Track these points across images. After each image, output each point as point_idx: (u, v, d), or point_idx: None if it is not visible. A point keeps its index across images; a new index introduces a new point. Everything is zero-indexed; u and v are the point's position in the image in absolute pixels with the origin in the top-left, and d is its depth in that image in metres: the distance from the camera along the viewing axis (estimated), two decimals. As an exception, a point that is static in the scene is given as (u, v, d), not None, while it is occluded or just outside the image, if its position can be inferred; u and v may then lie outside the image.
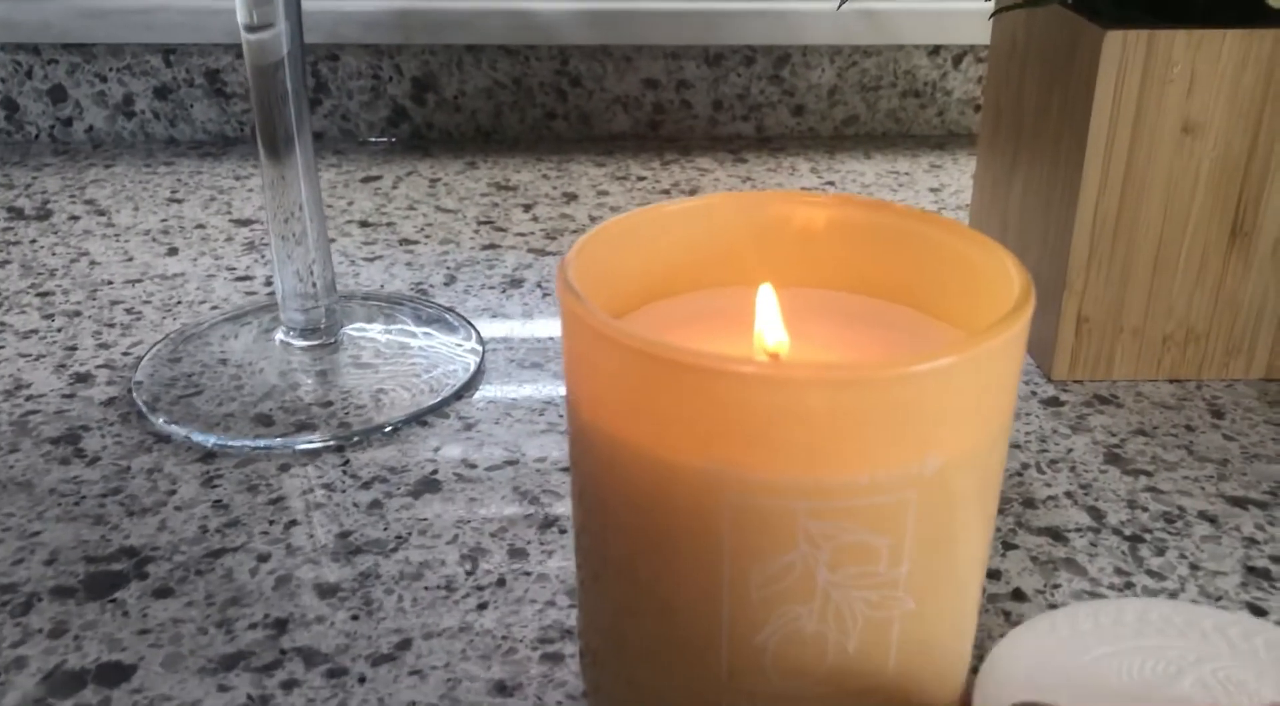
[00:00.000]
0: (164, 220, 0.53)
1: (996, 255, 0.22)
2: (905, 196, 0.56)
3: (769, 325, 0.23)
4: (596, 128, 0.64)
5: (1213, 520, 0.32)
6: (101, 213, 0.54)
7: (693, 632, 0.21)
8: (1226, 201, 0.37)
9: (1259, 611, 0.29)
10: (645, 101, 0.64)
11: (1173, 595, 0.29)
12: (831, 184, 0.58)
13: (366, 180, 0.58)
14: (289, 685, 0.26)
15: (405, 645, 0.27)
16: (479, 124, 0.64)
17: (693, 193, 0.57)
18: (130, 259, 0.49)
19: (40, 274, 0.48)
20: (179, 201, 0.56)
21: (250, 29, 0.37)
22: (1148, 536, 0.32)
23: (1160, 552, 0.31)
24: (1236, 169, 0.36)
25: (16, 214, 0.54)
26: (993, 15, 0.40)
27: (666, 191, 0.57)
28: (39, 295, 0.46)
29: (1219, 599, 0.29)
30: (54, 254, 0.50)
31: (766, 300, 0.24)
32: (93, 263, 0.49)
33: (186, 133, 0.64)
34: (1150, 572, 0.30)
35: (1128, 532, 0.32)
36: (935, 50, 0.63)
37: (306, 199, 0.39)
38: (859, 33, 0.60)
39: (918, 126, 0.65)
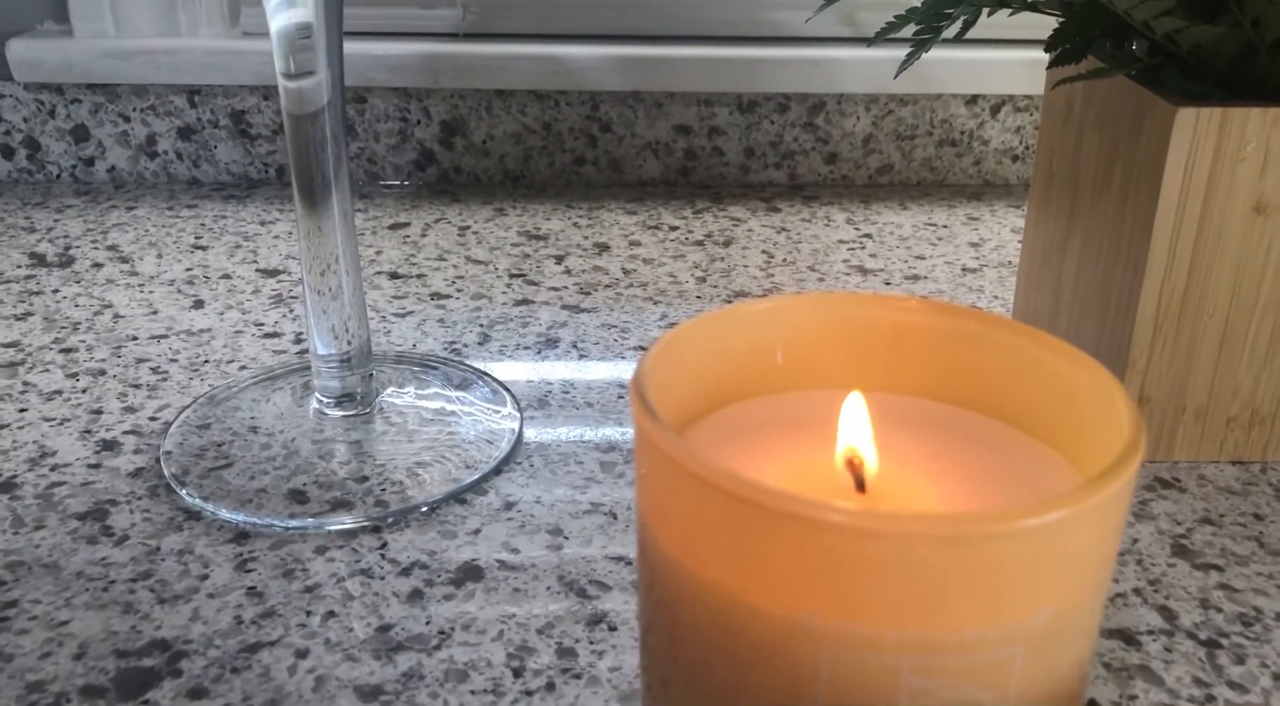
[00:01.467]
0: (189, 269, 0.52)
1: (1102, 381, 0.21)
2: (945, 251, 0.55)
3: (858, 440, 0.22)
4: (627, 173, 0.63)
5: (1291, 623, 0.31)
6: (125, 260, 0.53)
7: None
8: (1298, 282, 0.35)
9: (1348, 730, 0.27)
10: (676, 147, 0.63)
11: (1256, 709, 0.28)
12: (869, 236, 0.57)
13: (395, 227, 0.57)
14: (333, 804, 0.25)
15: (454, 758, 0.26)
16: (507, 169, 0.63)
17: (726, 245, 0.56)
18: (155, 312, 0.48)
19: (64, 327, 0.47)
20: (203, 248, 0.55)
21: (289, 77, 0.36)
22: (1225, 641, 0.30)
23: (1240, 661, 0.30)
24: (1309, 250, 0.35)
25: (39, 260, 0.53)
26: (1054, 87, 0.39)
27: (700, 243, 0.56)
28: (63, 352, 0.45)
29: (1305, 715, 0.28)
30: (77, 305, 0.49)
31: (854, 410, 0.23)
32: (117, 316, 0.48)
33: (210, 174, 0.63)
34: (1231, 684, 0.29)
35: (1203, 636, 0.30)
36: (973, 99, 0.62)
37: (343, 251, 0.38)
38: (896, 81, 0.59)
39: (954, 176, 0.64)
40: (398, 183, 0.63)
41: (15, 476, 0.37)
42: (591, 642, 0.30)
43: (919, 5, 0.38)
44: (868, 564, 0.18)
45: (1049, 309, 0.44)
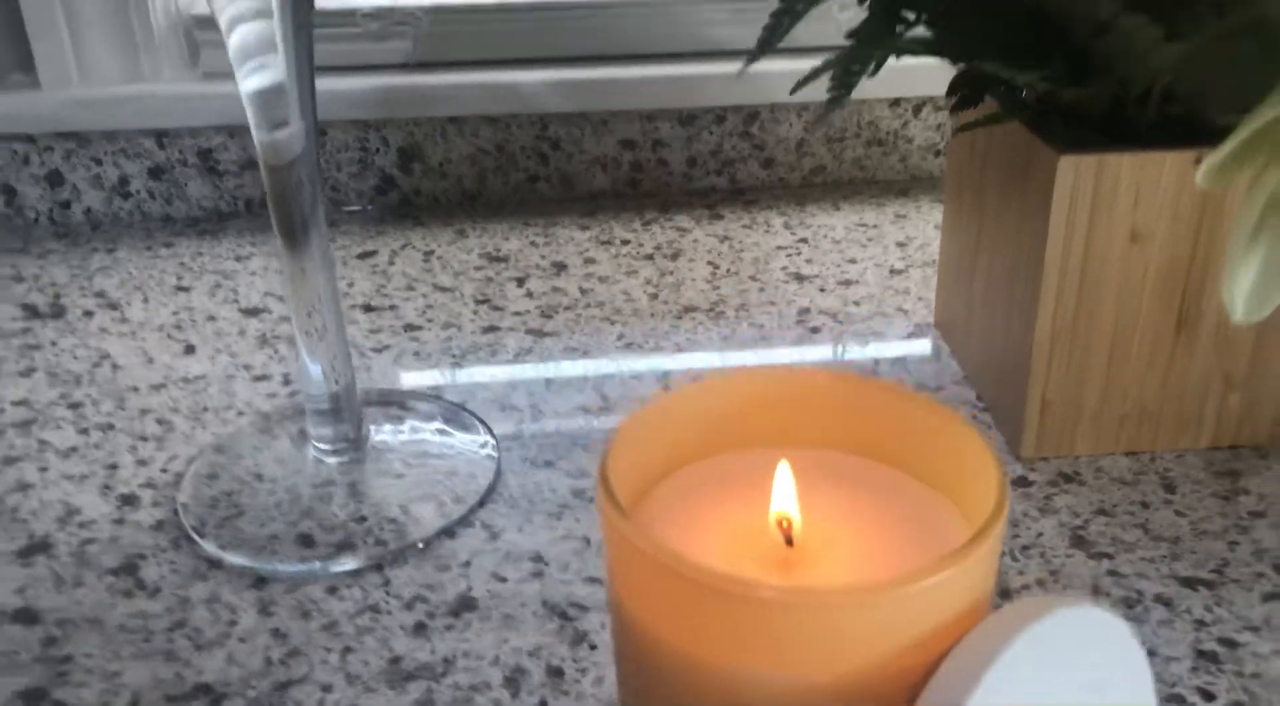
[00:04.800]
0: (175, 313, 0.56)
1: (975, 442, 0.26)
2: (874, 252, 0.60)
3: (786, 504, 0.27)
4: (578, 187, 0.67)
5: (1166, 603, 0.36)
6: (114, 306, 0.57)
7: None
8: (1171, 298, 0.41)
9: (1208, 695, 0.33)
10: (623, 160, 0.67)
11: (1135, 682, 0.33)
12: (804, 241, 0.61)
13: (363, 255, 0.61)
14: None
15: (466, 773, 0.31)
16: (465, 189, 0.67)
17: (674, 257, 0.60)
18: (150, 360, 0.52)
19: (67, 381, 0.50)
20: (186, 289, 0.58)
21: (264, 129, 0.39)
22: (1111, 622, 0.36)
23: (1123, 638, 0.35)
24: (1179, 270, 0.40)
25: (31, 312, 0.57)
26: (955, 133, 0.44)
27: (650, 256, 0.60)
28: (70, 407, 0.49)
29: (1173, 686, 0.33)
30: (75, 357, 0.52)
31: (782, 477, 0.27)
32: (115, 366, 0.51)
33: (182, 210, 0.66)
34: (1114, 661, 0.34)
35: (1094, 619, 0.36)
36: (896, 102, 0.66)
37: (324, 291, 0.41)
38: (824, 91, 0.63)
39: (882, 172, 0.68)
40: (360, 207, 0.67)
41: (49, 536, 0.41)
42: (575, 661, 0.35)
43: (833, 58, 0.42)
44: (790, 626, 0.22)
45: (964, 316, 0.49)
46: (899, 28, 0.42)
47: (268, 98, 0.38)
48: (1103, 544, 0.39)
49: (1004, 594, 0.37)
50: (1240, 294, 0.31)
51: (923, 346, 0.51)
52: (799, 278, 0.58)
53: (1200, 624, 0.35)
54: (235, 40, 0.38)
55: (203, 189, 0.66)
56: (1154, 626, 0.35)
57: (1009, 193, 0.43)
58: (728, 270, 0.59)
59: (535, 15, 0.64)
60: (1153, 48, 0.33)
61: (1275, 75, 0.28)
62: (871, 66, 0.40)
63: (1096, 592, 0.37)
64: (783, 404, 0.30)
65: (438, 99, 0.63)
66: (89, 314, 0.56)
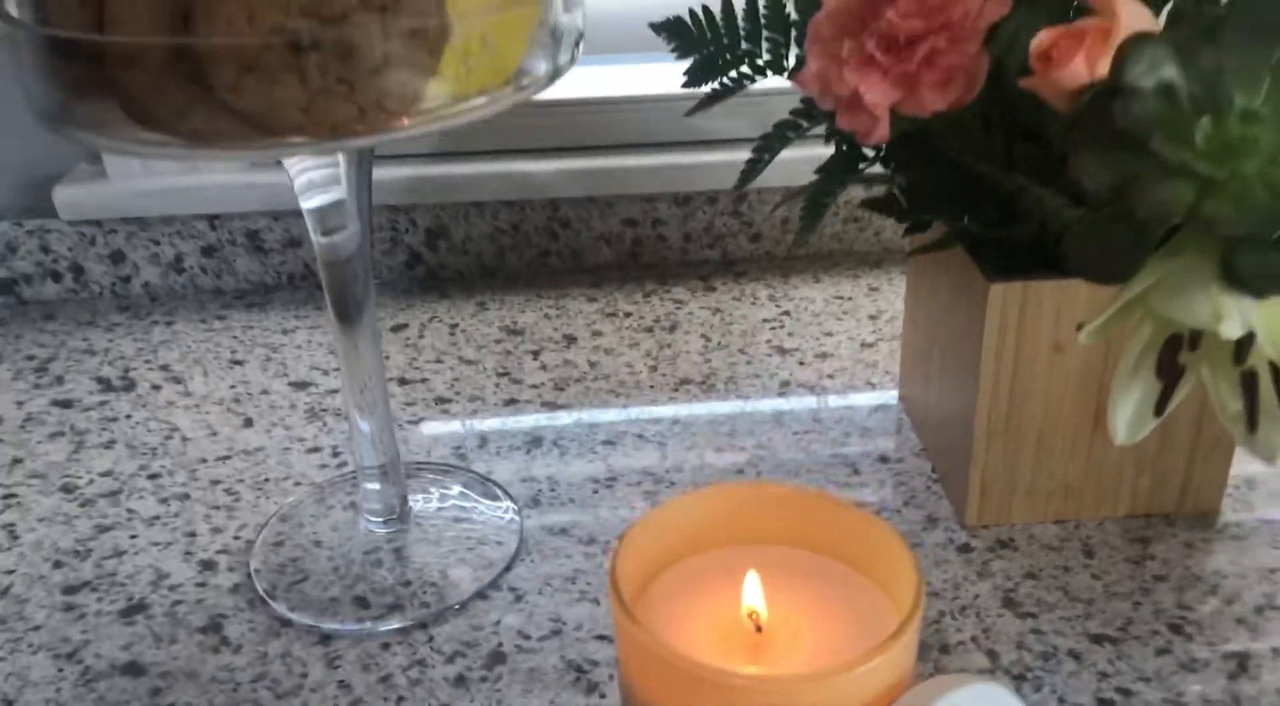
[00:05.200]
0: (232, 386, 0.64)
1: (897, 544, 0.34)
2: (849, 325, 0.67)
3: (754, 601, 0.35)
4: (586, 261, 0.75)
5: (1076, 657, 0.44)
6: (178, 380, 0.64)
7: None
8: (1089, 398, 0.48)
9: (1104, 737, 0.41)
10: (626, 237, 0.74)
11: (1045, 726, 0.41)
12: (787, 314, 0.69)
13: (396, 329, 0.69)
14: None
15: (503, 803, 0.39)
16: (484, 264, 0.74)
17: (671, 329, 0.68)
18: (214, 433, 0.60)
19: (144, 453, 0.58)
20: (240, 363, 0.66)
21: (324, 234, 0.45)
22: (1027, 672, 0.43)
23: (1039, 688, 0.43)
24: (1094, 376, 0.48)
25: (105, 385, 0.64)
26: (909, 254, 0.51)
27: (650, 329, 0.68)
28: (150, 478, 0.56)
29: (1076, 729, 0.41)
30: (149, 430, 0.60)
31: (751, 583, 0.35)
32: (184, 438, 0.59)
33: (230, 283, 0.74)
34: (1029, 708, 0.42)
35: (1015, 671, 0.43)
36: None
37: (373, 369, 0.48)
38: (805, 174, 0.71)
39: (859, 245, 0.76)
40: (391, 277, 0.74)
41: (144, 598, 0.49)
42: (589, 708, 0.42)
43: (806, 188, 0.50)
44: (762, 700, 0.30)
45: (922, 393, 0.57)
46: (859, 164, 0.50)
47: (327, 212, 0.45)
48: (1029, 604, 0.47)
49: (943, 649, 0.45)
50: (1122, 422, 0.38)
51: (887, 420, 0.59)
52: (781, 351, 0.65)
53: (1103, 675, 0.43)
54: (302, 180, 0.45)
55: (250, 265, 0.73)
56: (1064, 677, 0.43)
57: (955, 302, 0.50)
58: (718, 343, 0.66)
59: (548, 110, 0.71)
60: (1059, 210, 0.41)
61: (1143, 258, 0.36)
62: (838, 195, 0.48)
63: (1022, 651, 0.44)
64: (752, 512, 0.37)
65: (461, 186, 0.71)
66: (157, 388, 0.64)
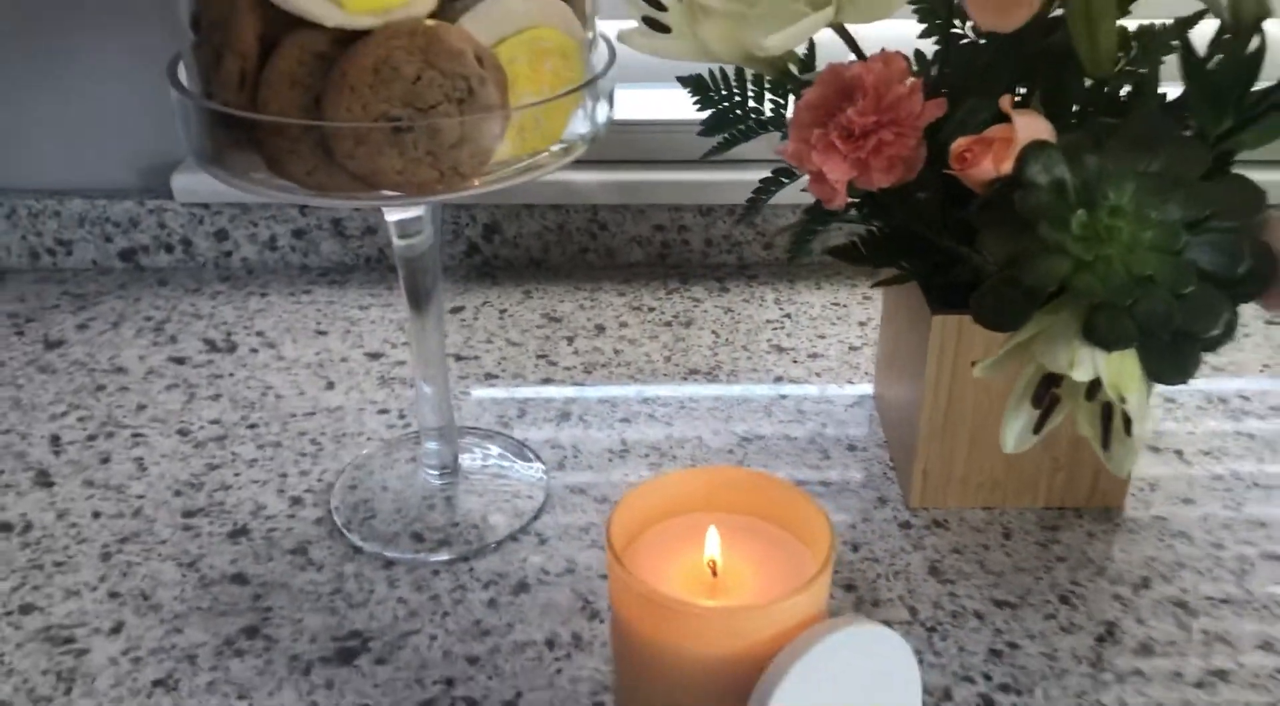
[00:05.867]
0: (317, 353, 0.76)
1: (819, 515, 0.45)
2: (840, 329, 0.79)
3: (713, 551, 0.46)
4: (619, 259, 0.86)
5: (980, 616, 0.55)
6: (272, 345, 0.77)
7: (667, 698, 0.44)
8: (1011, 409, 0.59)
9: (988, 677, 0.52)
10: (655, 240, 0.86)
11: (943, 668, 0.52)
12: (789, 316, 0.80)
13: (454, 310, 0.81)
14: (461, 719, 0.50)
15: (517, 696, 0.51)
16: (532, 256, 0.86)
17: (688, 325, 0.79)
18: (302, 392, 0.72)
19: (245, 407, 0.71)
20: (324, 333, 0.78)
21: (401, 237, 0.56)
22: (937, 625, 0.55)
23: (945, 638, 0.54)
24: (1017, 391, 0.58)
25: (211, 346, 0.77)
26: (872, 286, 0.62)
27: (669, 323, 0.79)
28: (249, 427, 0.69)
29: (968, 670, 0.52)
30: (248, 387, 0.73)
31: (711, 537, 0.47)
32: (277, 396, 0.72)
33: (315, 261, 0.86)
34: (935, 652, 0.53)
35: (929, 625, 0.55)
36: (871, 205, 0.84)
37: (437, 348, 0.60)
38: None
39: (859, 256, 0.86)
40: (452, 264, 0.86)
41: (246, 524, 0.61)
42: (591, 630, 0.54)
43: (793, 225, 0.61)
44: (711, 626, 0.42)
45: (887, 398, 0.68)
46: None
47: (408, 223, 0.56)
48: (950, 573, 0.58)
49: (875, 603, 0.56)
50: (1011, 436, 0.49)
51: (861, 415, 0.70)
52: (779, 349, 0.77)
53: (998, 632, 0.54)
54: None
55: (333, 247, 0.86)
56: (967, 631, 0.54)
57: (911, 325, 0.61)
58: (726, 339, 0.78)
59: (593, 128, 0.83)
60: (981, 265, 0.52)
61: (1028, 314, 0.47)
62: (813, 238, 0.59)
63: (937, 609, 0.56)
64: (718, 488, 0.49)
65: (515, 190, 0.82)
66: (254, 351, 0.77)
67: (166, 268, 0.87)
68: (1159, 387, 0.64)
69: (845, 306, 0.82)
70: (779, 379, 0.74)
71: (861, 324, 0.79)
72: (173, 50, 0.50)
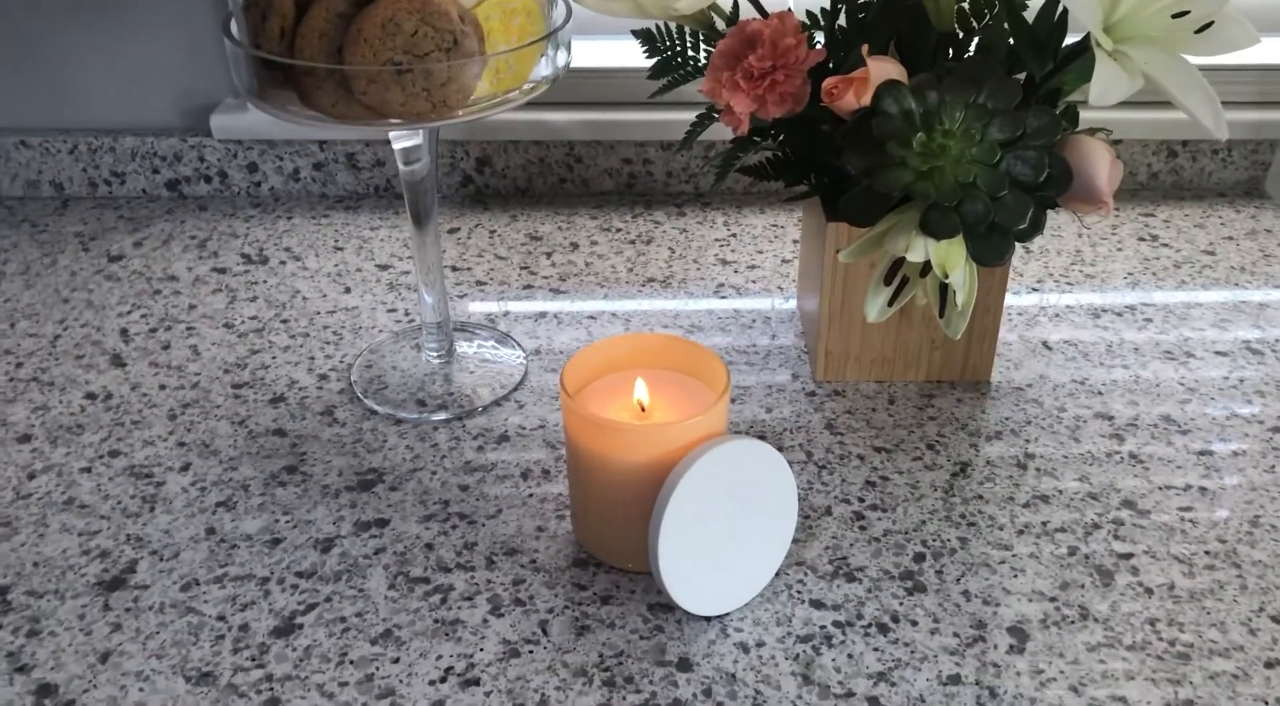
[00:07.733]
0: (336, 264, 0.91)
1: (720, 368, 0.60)
2: (777, 246, 0.93)
3: (641, 394, 0.61)
4: (592, 188, 1.01)
5: (861, 458, 0.70)
6: (298, 258, 0.92)
7: (606, 501, 0.60)
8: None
9: (862, 500, 0.67)
10: (624, 171, 1.00)
11: (828, 493, 0.68)
12: (734, 235, 0.95)
13: (451, 231, 0.96)
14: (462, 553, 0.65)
15: (499, 511, 0.66)
16: (518, 186, 1.01)
17: (648, 243, 0.94)
18: (325, 296, 0.87)
19: (277, 306, 0.86)
20: (341, 249, 0.93)
21: (405, 164, 0.72)
22: (826, 464, 0.70)
23: (831, 473, 0.69)
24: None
25: (247, 259, 0.92)
26: (784, 202, 0.76)
27: (632, 242, 0.94)
28: (282, 322, 0.84)
29: (846, 495, 0.67)
30: (280, 291, 0.88)
31: (640, 384, 0.62)
32: (304, 298, 0.87)
33: (332, 191, 1.01)
34: (822, 483, 0.68)
35: (820, 463, 0.70)
36: (807, 141, 0.98)
37: (435, 258, 0.75)
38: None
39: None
40: (449, 193, 1.01)
41: (284, 394, 0.76)
42: (556, 466, 0.70)
43: (719, 155, 0.75)
44: (638, 439, 0.57)
45: (803, 297, 0.82)
46: (757, 139, 0.75)
47: (409, 151, 0.71)
48: (841, 428, 0.73)
49: (780, 448, 0.71)
50: (873, 308, 0.64)
51: (785, 314, 0.85)
52: (724, 262, 0.91)
53: (874, 469, 0.69)
54: (395, 131, 0.71)
55: (347, 178, 1.00)
56: (850, 468, 0.70)
57: (816, 232, 0.76)
58: (679, 255, 0.92)
59: (569, 75, 0.97)
60: (856, 178, 0.66)
61: (881, 212, 0.61)
62: (738, 162, 0.74)
63: (828, 453, 0.71)
64: (645, 349, 0.64)
65: (503, 128, 0.97)
66: (283, 263, 0.91)
67: (205, 195, 1.01)
68: (1052, 297, 0.78)
69: (782, 227, 0.96)
70: (721, 286, 0.88)
71: (795, 241, 0.94)
72: (212, 9, 0.64)
